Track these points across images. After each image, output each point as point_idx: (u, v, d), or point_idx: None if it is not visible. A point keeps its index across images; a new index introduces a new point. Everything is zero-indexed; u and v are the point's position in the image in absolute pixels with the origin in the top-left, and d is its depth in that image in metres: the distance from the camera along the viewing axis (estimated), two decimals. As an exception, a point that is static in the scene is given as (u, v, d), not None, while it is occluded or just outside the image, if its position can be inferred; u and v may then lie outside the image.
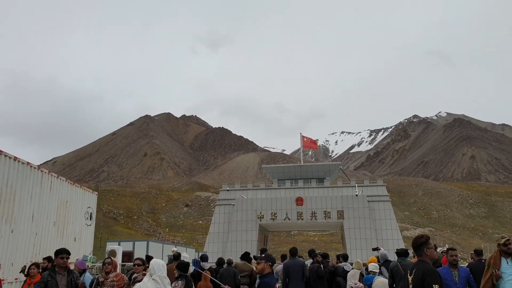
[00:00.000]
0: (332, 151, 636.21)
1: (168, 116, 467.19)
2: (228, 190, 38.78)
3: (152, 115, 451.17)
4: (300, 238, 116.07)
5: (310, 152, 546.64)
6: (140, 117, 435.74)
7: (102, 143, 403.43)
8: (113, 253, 16.63)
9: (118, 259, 16.55)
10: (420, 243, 4.75)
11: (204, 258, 10.74)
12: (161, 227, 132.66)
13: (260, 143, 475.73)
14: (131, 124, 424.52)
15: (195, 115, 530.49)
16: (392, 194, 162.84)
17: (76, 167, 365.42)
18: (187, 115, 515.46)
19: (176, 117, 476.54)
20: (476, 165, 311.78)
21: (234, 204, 36.09)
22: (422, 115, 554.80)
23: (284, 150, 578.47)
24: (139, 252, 17.88)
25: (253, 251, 33.13)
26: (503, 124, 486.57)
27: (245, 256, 10.01)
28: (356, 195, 35.07)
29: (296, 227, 43.03)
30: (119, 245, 18.74)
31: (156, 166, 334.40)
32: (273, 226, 37.67)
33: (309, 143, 41.44)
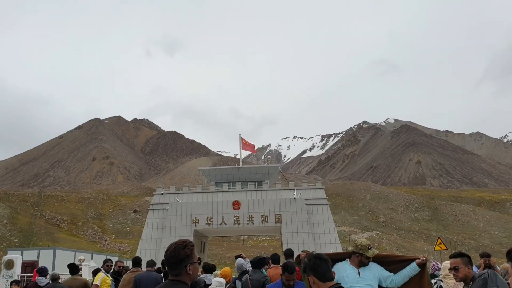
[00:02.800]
0: (285, 156, 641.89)
1: (118, 120, 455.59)
2: (162, 193, 37.16)
3: (101, 118, 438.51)
4: (250, 244, 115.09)
5: (263, 157, 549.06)
6: (89, 120, 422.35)
7: (49, 146, 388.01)
8: (10, 263, 14.94)
9: (17, 270, 14.85)
10: (182, 258, 3.09)
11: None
12: (107, 233, 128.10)
13: (213, 148, 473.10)
14: (79, 127, 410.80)
15: (147, 119, 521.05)
16: (342, 198, 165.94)
17: (20, 171, 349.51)
18: (138, 118, 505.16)
19: (127, 121, 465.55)
20: (422, 170, 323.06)
21: (168, 209, 34.56)
22: (371, 121, 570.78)
23: (236, 154, 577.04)
24: (44, 261, 16.16)
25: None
26: (447, 131, 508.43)
27: (73, 268, 8.72)
28: (294, 198, 34.38)
29: (233, 232, 41.86)
30: (21, 254, 16.88)
31: (105, 171, 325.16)
32: (209, 231, 36.33)
33: (247, 146, 40.61)
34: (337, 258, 5.88)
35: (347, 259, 5.64)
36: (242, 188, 36.46)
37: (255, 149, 41.96)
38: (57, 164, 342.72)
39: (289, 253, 8.24)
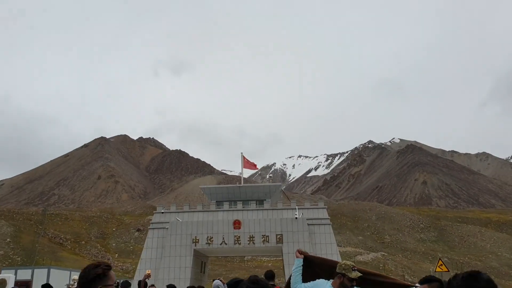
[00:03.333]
0: (290, 175, 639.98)
1: (124, 138, 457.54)
2: (162, 212, 36.85)
3: (107, 137, 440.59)
4: (253, 264, 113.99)
5: (267, 176, 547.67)
6: (95, 139, 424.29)
7: (54, 165, 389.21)
8: (2, 283, 14.72)
9: (10, 289, 14.59)
10: (92, 278, 2.76)
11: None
12: (110, 252, 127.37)
13: (218, 167, 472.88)
14: (85, 146, 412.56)
15: (153, 138, 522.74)
16: (347, 218, 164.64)
17: (26, 189, 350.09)
18: (144, 137, 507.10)
19: (133, 139, 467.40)
20: (428, 190, 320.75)
21: (168, 228, 34.21)
22: (377, 140, 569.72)
23: (241, 173, 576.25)
24: (38, 281, 15.87)
25: (187, 278, 31.32)
26: (452, 151, 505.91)
27: None
28: (296, 218, 33.94)
29: (234, 252, 41.33)
30: (15, 273, 16.63)
31: (110, 190, 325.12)
32: (209, 251, 35.84)
33: (249, 164, 40.40)
34: (326, 266, 5.59)
35: (331, 280, 5.32)
36: (243, 207, 36.12)
37: (257, 167, 41.66)
38: (62, 182, 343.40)
39: (269, 275, 8.03)
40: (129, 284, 9.60)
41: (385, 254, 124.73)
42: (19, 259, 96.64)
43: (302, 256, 5.55)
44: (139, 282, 11.55)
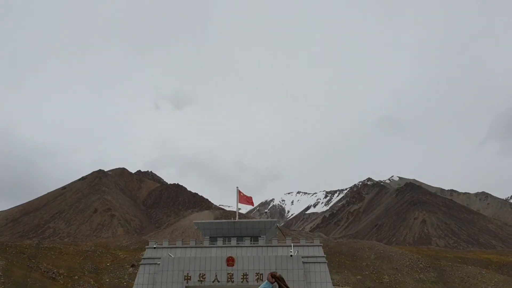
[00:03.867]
0: (288, 211, 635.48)
1: (122, 171, 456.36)
2: (154, 247, 36.07)
3: (106, 169, 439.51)
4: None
5: (265, 211, 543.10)
6: (93, 172, 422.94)
7: (51, 197, 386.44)
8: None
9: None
10: None
11: None
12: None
13: (216, 201, 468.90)
14: (82, 178, 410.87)
15: (151, 171, 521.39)
16: (345, 257, 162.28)
17: (21, 222, 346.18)
18: (143, 170, 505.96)
19: (131, 173, 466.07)
20: (427, 229, 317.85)
21: (159, 264, 33.35)
22: (376, 178, 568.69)
23: (240, 209, 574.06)
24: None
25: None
26: (452, 190, 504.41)
27: None
28: (291, 255, 33.18)
29: (226, 291, 40.37)
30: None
31: (106, 223, 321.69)
32: (201, 289, 34.93)
33: (245, 199, 39.85)
34: None
35: None
36: (237, 243, 35.40)
37: (253, 202, 41.11)
38: (58, 215, 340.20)
39: None
40: None
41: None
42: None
43: (274, 281, 5.21)
44: None
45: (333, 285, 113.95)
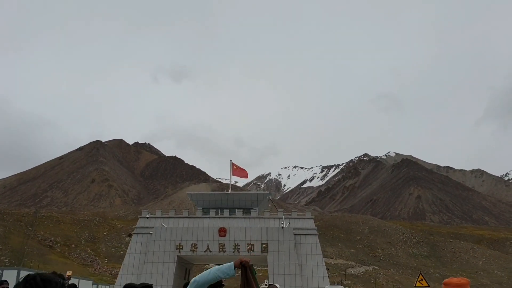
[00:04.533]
0: (284, 185, 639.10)
1: (120, 143, 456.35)
2: (147, 217, 36.37)
3: (103, 140, 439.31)
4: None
5: (262, 185, 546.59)
6: (91, 142, 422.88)
7: (48, 167, 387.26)
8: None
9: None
10: None
11: None
12: (100, 257, 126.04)
13: (214, 175, 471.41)
14: (80, 149, 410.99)
15: (148, 143, 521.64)
16: (340, 230, 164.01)
17: (18, 190, 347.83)
18: (140, 142, 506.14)
19: (128, 144, 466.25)
20: (422, 205, 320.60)
21: (152, 233, 33.68)
22: (373, 154, 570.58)
23: (236, 182, 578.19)
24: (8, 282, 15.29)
25: (169, 286, 30.79)
26: (448, 167, 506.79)
27: None
28: (282, 227, 33.52)
29: (218, 261, 40.70)
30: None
31: (104, 193, 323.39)
32: (193, 258, 35.27)
33: (238, 171, 40.01)
34: None
35: None
36: (229, 215, 35.71)
37: (247, 174, 41.22)
38: (55, 185, 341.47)
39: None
40: None
41: (377, 268, 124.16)
42: (6, 260, 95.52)
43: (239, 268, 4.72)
44: None
45: (327, 258, 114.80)
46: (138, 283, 7.19)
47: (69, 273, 10.81)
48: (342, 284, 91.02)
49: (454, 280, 4.15)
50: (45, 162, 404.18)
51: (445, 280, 4.30)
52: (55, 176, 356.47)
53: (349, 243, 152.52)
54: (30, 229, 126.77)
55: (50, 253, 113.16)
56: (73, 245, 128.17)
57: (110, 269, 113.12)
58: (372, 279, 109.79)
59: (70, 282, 11.07)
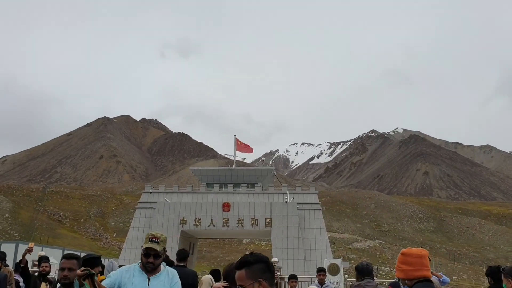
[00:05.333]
0: (292, 162, 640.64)
1: (127, 119, 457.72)
2: (151, 192, 36.54)
3: (110, 117, 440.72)
4: (252, 247, 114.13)
5: (270, 162, 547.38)
6: (98, 119, 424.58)
7: (57, 143, 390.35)
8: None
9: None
10: None
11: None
12: (108, 231, 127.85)
13: (221, 151, 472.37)
14: (88, 125, 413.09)
15: (155, 119, 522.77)
16: (346, 205, 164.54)
17: (28, 166, 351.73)
18: (147, 118, 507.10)
19: (136, 120, 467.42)
20: (429, 181, 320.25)
21: (155, 208, 33.88)
22: (380, 130, 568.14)
23: (244, 158, 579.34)
24: (7, 255, 15.30)
25: (173, 259, 30.92)
26: (456, 143, 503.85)
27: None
28: (286, 202, 33.53)
29: (222, 235, 41.18)
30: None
31: (112, 169, 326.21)
32: (196, 232, 35.52)
33: (243, 147, 39.89)
34: None
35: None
36: (233, 190, 35.76)
37: (251, 150, 41.12)
38: (64, 160, 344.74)
39: (182, 256, 7.76)
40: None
41: (382, 242, 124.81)
42: (16, 234, 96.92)
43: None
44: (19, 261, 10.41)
45: (333, 232, 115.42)
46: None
47: (31, 244, 10.43)
48: (347, 258, 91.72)
49: (414, 250, 3.93)
50: (54, 138, 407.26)
51: (404, 250, 4.02)
52: (64, 152, 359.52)
53: (355, 218, 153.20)
54: (40, 204, 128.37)
55: (59, 228, 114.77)
56: (82, 220, 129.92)
57: (119, 243, 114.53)
58: (378, 253, 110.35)
59: (42, 254, 10.58)
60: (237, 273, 2.94)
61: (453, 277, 77.42)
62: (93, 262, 6.83)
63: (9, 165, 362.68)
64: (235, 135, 39.08)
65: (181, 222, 32.93)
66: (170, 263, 7.79)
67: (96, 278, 3.98)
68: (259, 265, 2.91)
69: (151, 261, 4.30)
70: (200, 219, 32.89)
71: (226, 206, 33.04)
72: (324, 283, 9.04)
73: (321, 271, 9.14)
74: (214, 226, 32.81)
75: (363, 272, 5.83)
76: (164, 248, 4.41)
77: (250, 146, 42.40)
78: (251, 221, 32.91)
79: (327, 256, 30.44)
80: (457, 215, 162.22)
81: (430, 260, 4.13)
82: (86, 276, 3.89)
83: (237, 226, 32.78)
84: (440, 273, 9.91)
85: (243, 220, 32.82)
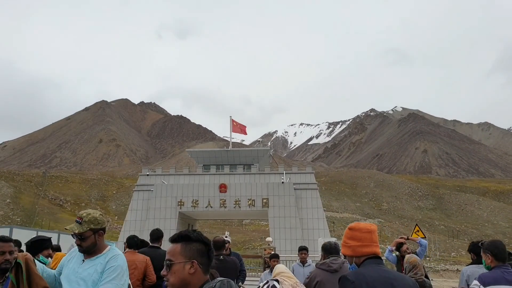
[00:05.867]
0: (291, 143, 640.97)
1: (125, 102, 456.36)
2: (148, 174, 36.71)
3: (109, 100, 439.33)
4: (251, 228, 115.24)
5: (269, 143, 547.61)
6: (96, 103, 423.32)
7: (56, 128, 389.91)
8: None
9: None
10: None
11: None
12: (110, 215, 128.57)
13: (220, 133, 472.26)
14: (86, 109, 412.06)
15: (154, 103, 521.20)
16: (345, 185, 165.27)
17: (28, 152, 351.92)
18: (145, 102, 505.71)
19: (134, 104, 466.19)
20: (428, 159, 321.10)
21: (153, 190, 34.12)
22: (379, 109, 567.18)
23: (243, 140, 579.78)
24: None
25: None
26: (455, 120, 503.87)
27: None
28: (282, 182, 33.75)
29: (219, 216, 41.46)
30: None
31: (112, 153, 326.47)
32: (194, 214, 35.81)
33: (238, 128, 39.98)
34: None
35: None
36: (230, 171, 35.94)
37: (246, 131, 41.20)
38: (64, 145, 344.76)
39: (155, 236, 7.41)
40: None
41: (382, 221, 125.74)
42: (18, 219, 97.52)
43: None
44: None
45: (333, 212, 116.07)
46: (128, 239, 7.11)
47: None
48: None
49: (363, 224, 3.50)
50: (53, 123, 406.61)
51: (351, 225, 3.54)
52: (63, 137, 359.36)
53: (354, 198, 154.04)
54: (40, 189, 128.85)
55: (60, 212, 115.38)
56: (83, 204, 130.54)
57: (120, 226, 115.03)
58: (377, 232, 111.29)
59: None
60: (171, 246, 2.56)
61: (452, 254, 78.18)
62: (40, 245, 6.34)
63: (9, 150, 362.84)
64: (230, 116, 39.15)
65: (179, 203, 33.19)
66: (145, 244, 7.70)
67: (30, 266, 3.90)
68: (198, 245, 2.52)
69: (77, 243, 3.96)
70: (197, 200, 33.14)
71: (223, 188, 33.25)
72: (306, 262, 8.71)
73: (302, 249, 8.84)
74: (211, 207, 33.08)
75: (330, 250, 5.73)
76: (93, 228, 3.91)
77: (247, 127, 42.39)
78: (248, 201, 33.16)
79: (325, 235, 30.79)
80: (456, 192, 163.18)
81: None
82: (11, 268, 3.75)
83: (234, 207, 33.05)
84: (418, 238, 9.85)
85: (240, 201, 33.06)
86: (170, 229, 30.75)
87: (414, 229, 19.38)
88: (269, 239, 16.60)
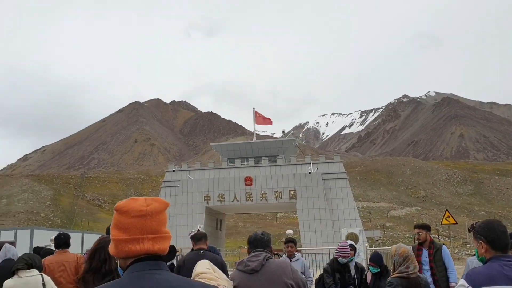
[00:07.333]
0: (323, 133, 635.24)
1: (157, 102, 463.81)
2: (174, 170, 36.74)
3: (141, 101, 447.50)
4: (286, 221, 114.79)
5: (300, 135, 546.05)
6: (130, 104, 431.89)
7: (92, 130, 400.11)
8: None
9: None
10: None
11: None
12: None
13: (250, 128, 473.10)
14: (120, 110, 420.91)
15: (185, 101, 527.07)
16: (381, 174, 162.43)
17: (66, 155, 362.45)
18: (176, 100, 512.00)
19: (166, 103, 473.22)
20: (465, 143, 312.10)
21: (179, 186, 34.12)
22: (412, 95, 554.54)
23: (274, 133, 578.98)
24: (21, 242, 15.57)
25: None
26: (491, 102, 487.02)
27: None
28: (310, 172, 33.03)
29: (246, 209, 41.11)
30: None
31: (147, 152, 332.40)
32: (221, 208, 35.62)
33: (262, 120, 39.49)
34: None
35: None
36: (255, 163, 35.55)
37: (271, 122, 40.54)
38: (100, 147, 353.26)
39: (197, 237, 6.39)
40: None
41: (419, 208, 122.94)
42: (59, 220, 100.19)
43: None
44: None
45: (369, 202, 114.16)
46: (55, 238, 6.62)
47: None
48: (384, 226, 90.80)
49: (139, 202, 1.86)
50: (89, 126, 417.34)
51: (120, 203, 1.87)
52: (100, 139, 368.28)
53: (390, 186, 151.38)
54: (79, 190, 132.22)
55: (99, 212, 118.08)
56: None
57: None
58: (415, 219, 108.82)
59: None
60: None
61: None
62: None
63: (48, 154, 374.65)
64: (253, 108, 38.70)
65: (205, 198, 33.08)
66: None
67: None
68: None
69: None
70: (223, 194, 32.92)
71: (248, 180, 32.89)
72: (294, 256, 7.52)
73: (288, 242, 7.61)
74: (238, 201, 32.80)
75: (256, 244, 4.15)
76: None
77: (276, 121, 41.88)
78: (275, 194, 32.67)
79: (356, 226, 30.02)
80: (496, 176, 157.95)
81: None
82: None
83: (260, 200, 32.63)
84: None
85: (266, 193, 32.62)
86: (198, 224, 30.70)
87: (444, 214, 18.60)
88: (289, 231, 16.11)
